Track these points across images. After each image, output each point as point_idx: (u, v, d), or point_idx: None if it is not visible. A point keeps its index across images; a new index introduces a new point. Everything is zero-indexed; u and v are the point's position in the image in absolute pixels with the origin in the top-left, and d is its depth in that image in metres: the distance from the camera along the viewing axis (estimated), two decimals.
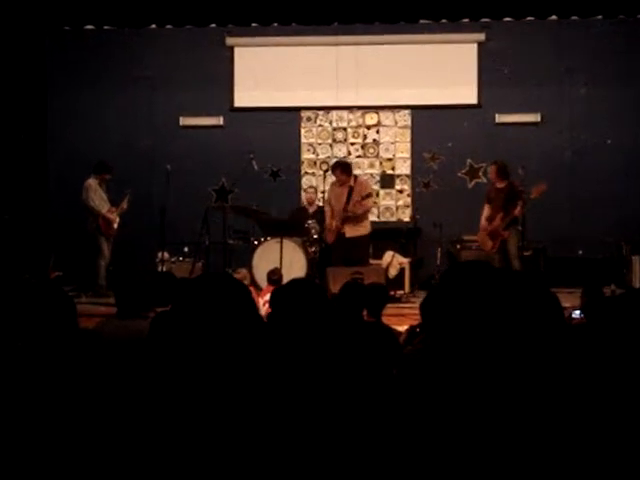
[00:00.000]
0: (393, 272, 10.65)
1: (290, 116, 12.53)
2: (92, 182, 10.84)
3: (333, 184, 10.64)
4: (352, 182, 10.33)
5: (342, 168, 10.44)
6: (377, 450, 2.02)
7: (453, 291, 2.14)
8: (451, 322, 2.11)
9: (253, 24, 11.47)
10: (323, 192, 11.26)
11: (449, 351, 2.10)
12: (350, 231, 10.24)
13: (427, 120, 12.32)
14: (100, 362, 2.66)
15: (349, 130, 12.63)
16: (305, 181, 12.54)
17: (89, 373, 2.48)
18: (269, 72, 12.41)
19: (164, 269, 10.74)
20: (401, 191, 12.57)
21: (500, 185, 10.34)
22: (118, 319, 5.05)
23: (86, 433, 2.17)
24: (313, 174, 12.55)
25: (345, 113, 12.58)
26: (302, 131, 12.62)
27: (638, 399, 2.08)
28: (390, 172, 12.56)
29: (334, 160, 11.68)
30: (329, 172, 11.52)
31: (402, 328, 5.99)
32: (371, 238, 10.57)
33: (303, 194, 12.21)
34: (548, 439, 1.91)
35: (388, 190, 12.48)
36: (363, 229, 10.35)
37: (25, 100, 11.85)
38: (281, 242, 10.10)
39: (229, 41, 12.40)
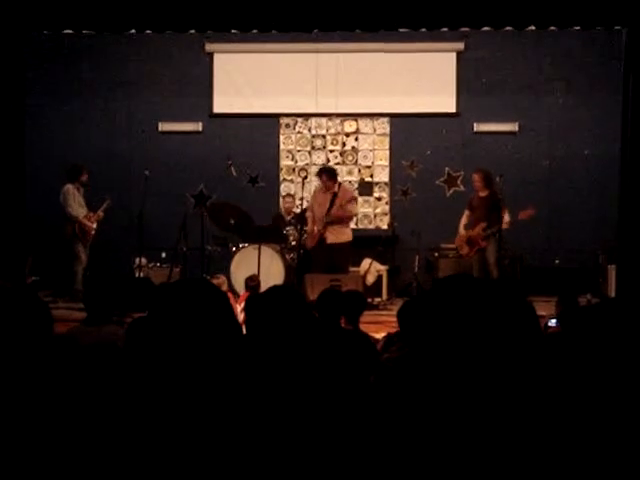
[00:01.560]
0: (371, 279, 10.68)
1: (269, 122, 12.53)
2: (70, 187, 10.82)
3: (317, 190, 10.73)
4: (336, 188, 10.40)
5: (328, 174, 10.54)
6: (354, 457, 2.02)
7: (430, 299, 2.15)
8: (428, 330, 2.11)
9: (233, 30, 11.44)
10: (302, 199, 11.27)
11: (426, 359, 2.10)
12: (331, 237, 10.28)
13: (406, 128, 12.36)
14: (72, 369, 2.65)
15: (328, 137, 12.64)
16: (284, 188, 12.55)
17: (62, 380, 2.46)
18: (248, 78, 12.42)
19: (142, 275, 10.72)
20: (379, 199, 12.59)
21: (483, 194, 10.44)
22: (86, 325, 5.05)
23: (60, 441, 2.16)
24: (292, 181, 12.56)
25: (324, 120, 12.60)
26: (281, 138, 12.63)
27: (613, 408, 2.09)
28: (368, 179, 12.59)
29: (319, 166, 11.70)
30: (307, 179, 11.57)
31: (379, 335, 6.01)
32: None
33: (281, 201, 12.22)
34: (524, 445, 1.92)
35: (366, 197, 12.50)
36: (344, 236, 10.39)
37: (2, 104, 11.76)
38: (259, 249, 10.10)
39: (208, 47, 12.39)
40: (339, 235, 10.31)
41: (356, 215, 11.41)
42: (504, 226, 10.13)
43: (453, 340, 2.04)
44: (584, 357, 2.36)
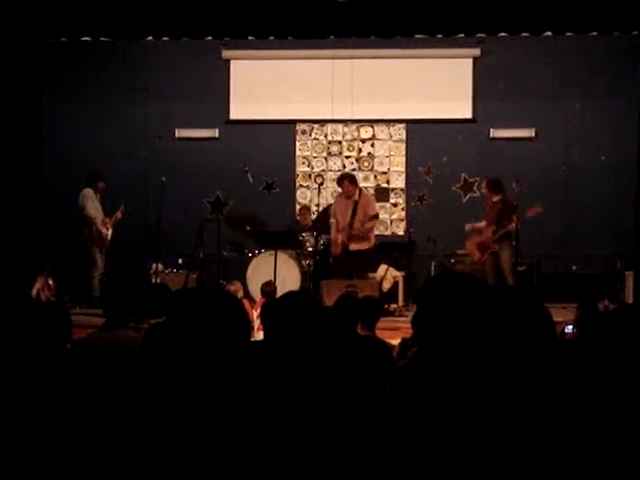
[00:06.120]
0: (387, 285, 10.66)
1: (285, 129, 12.55)
2: (89, 191, 10.89)
3: (339, 197, 10.74)
4: (357, 196, 10.40)
5: (350, 179, 10.58)
6: (370, 462, 2.02)
7: (444, 304, 2.15)
8: (442, 336, 2.11)
9: (249, 37, 11.49)
10: (317, 205, 11.26)
11: (441, 365, 2.10)
12: (354, 245, 10.33)
13: (422, 134, 12.35)
14: (89, 374, 2.66)
15: (344, 143, 12.65)
16: (300, 194, 12.55)
17: (80, 384, 2.48)
18: (265, 85, 12.44)
19: (158, 281, 10.74)
20: (395, 205, 12.58)
21: (495, 199, 10.44)
22: (103, 330, 5.07)
23: (76, 443, 2.17)
24: (308, 187, 12.56)
25: (340, 126, 12.61)
26: (297, 144, 12.64)
27: (628, 414, 2.08)
28: (385, 185, 12.58)
29: (335, 173, 11.75)
30: (324, 185, 11.57)
31: (395, 342, 6.00)
32: None
33: (297, 211, 12.23)
34: (539, 450, 1.91)
35: (382, 204, 12.48)
36: (366, 243, 10.42)
37: (21, 111, 11.84)
38: (275, 255, 10.10)
39: (225, 54, 12.42)
40: (362, 243, 10.37)
41: (378, 217, 11.15)
42: (512, 227, 10.08)
43: (468, 345, 2.04)
44: (602, 363, 2.35)
